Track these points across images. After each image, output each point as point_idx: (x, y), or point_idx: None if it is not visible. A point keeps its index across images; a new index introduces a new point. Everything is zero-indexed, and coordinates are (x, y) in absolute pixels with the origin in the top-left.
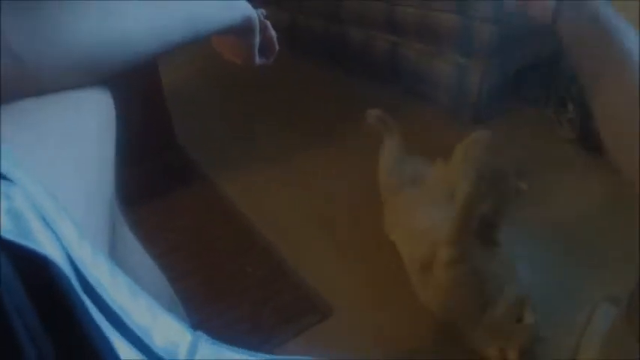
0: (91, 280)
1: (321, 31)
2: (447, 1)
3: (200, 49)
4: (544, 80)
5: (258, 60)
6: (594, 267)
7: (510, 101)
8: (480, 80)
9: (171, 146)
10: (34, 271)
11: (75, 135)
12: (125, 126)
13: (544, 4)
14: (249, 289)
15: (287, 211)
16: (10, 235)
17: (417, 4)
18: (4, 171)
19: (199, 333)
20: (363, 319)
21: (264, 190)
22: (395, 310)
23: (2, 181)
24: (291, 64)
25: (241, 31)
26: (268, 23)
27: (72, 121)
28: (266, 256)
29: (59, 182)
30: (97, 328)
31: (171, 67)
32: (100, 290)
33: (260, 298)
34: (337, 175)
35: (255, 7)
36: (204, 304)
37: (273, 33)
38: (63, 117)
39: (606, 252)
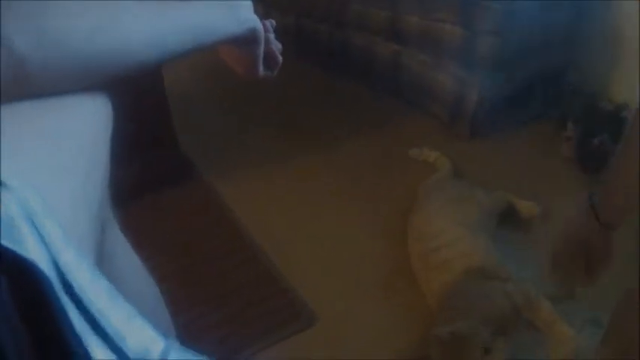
0: (73, 283)
1: (325, 37)
2: (451, 12)
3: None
4: (544, 97)
5: (262, 72)
6: (585, 289)
7: (510, 117)
8: (479, 94)
9: (170, 145)
10: (20, 274)
11: (65, 138)
12: (125, 122)
13: None
14: (235, 293)
15: (279, 217)
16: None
17: (420, 14)
18: None
19: (171, 341)
20: (347, 330)
21: (257, 193)
22: (380, 323)
23: None
24: (294, 69)
25: (245, 42)
26: (272, 36)
27: (65, 122)
28: (254, 260)
29: (47, 185)
30: (74, 330)
31: (172, 67)
32: (80, 293)
33: (245, 302)
34: (330, 182)
35: (264, 14)
36: (190, 306)
37: (278, 46)
38: (55, 119)
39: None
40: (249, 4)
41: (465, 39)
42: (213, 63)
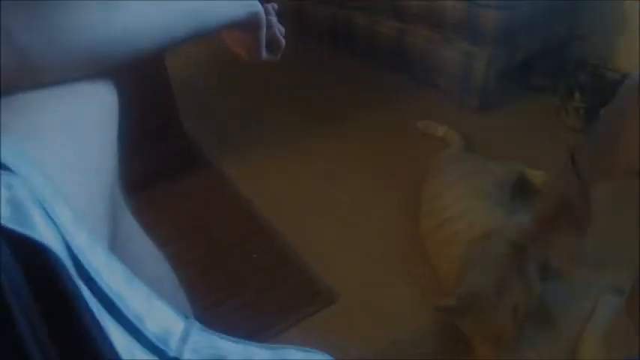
0: (88, 266)
1: (327, 17)
2: None
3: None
4: (550, 68)
5: (265, 55)
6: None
7: (517, 89)
8: (486, 67)
9: (176, 132)
10: (34, 259)
11: (75, 123)
12: (130, 112)
13: None
14: (253, 276)
15: (292, 197)
16: (10, 224)
17: None
18: (5, 161)
19: (192, 321)
20: (367, 307)
21: (268, 175)
22: (399, 298)
23: (3, 171)
24: (298, 50)
25: (247, 26)
26: (274, 20)
27: (72, 109)
28: (270, 242)
29: (58, 170)
30: (92, 314)
31: (175, 53)
32: (95, 276)
33: (263, 284)
34: (341, 159)
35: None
36: (208, 291)
37: (280, 29)
38: (63, 105)
39: (612, 243)
40: None
41: (468, 13)
42: (217, 47)
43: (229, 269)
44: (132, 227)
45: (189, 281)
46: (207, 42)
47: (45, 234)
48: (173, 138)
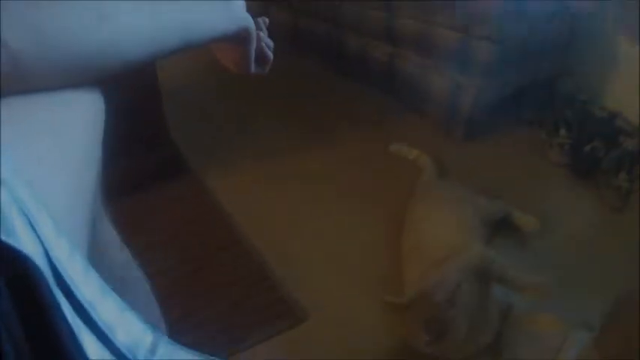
0: (65, 276)
1: (322, 35)
2: (446, 16)
3: None
4: (539, 103)
5: (253, 69)
6: (575, 292)
7: (503, 121)
8: (474, 97)
9: (163, 141)
10: (14, 268)
11: (59, 132)
12: (118, 119)
13: None
14: (226, 289)
15: (273, 212)
16: None
17: (416, 18)
18: None
19: (160, 334)
20: (338, 327)
21: (251, 188)
22: (371, 319)
23: None
24: (291, 64)
25: (237, 40)
26: (263, 34)
27: (56, 117)
28: (247, 255)
29: (41, 178)
30: (68, 326)
31: (166, 62)
32: (72, 286)
33: (236, 298)
34: (325, 177)
35: (261, 10)
36: (180, 302)
37: (269, 43)
38: (48, 112)
39: (588, 278)
40: (242, 2)
41: (459, 43)
42: (209, 56)
43: (204, 280)
44: (109, 236)
45: (164, 290)
46: (200, 51)
47: (26, 243)
48: (159, 147)
